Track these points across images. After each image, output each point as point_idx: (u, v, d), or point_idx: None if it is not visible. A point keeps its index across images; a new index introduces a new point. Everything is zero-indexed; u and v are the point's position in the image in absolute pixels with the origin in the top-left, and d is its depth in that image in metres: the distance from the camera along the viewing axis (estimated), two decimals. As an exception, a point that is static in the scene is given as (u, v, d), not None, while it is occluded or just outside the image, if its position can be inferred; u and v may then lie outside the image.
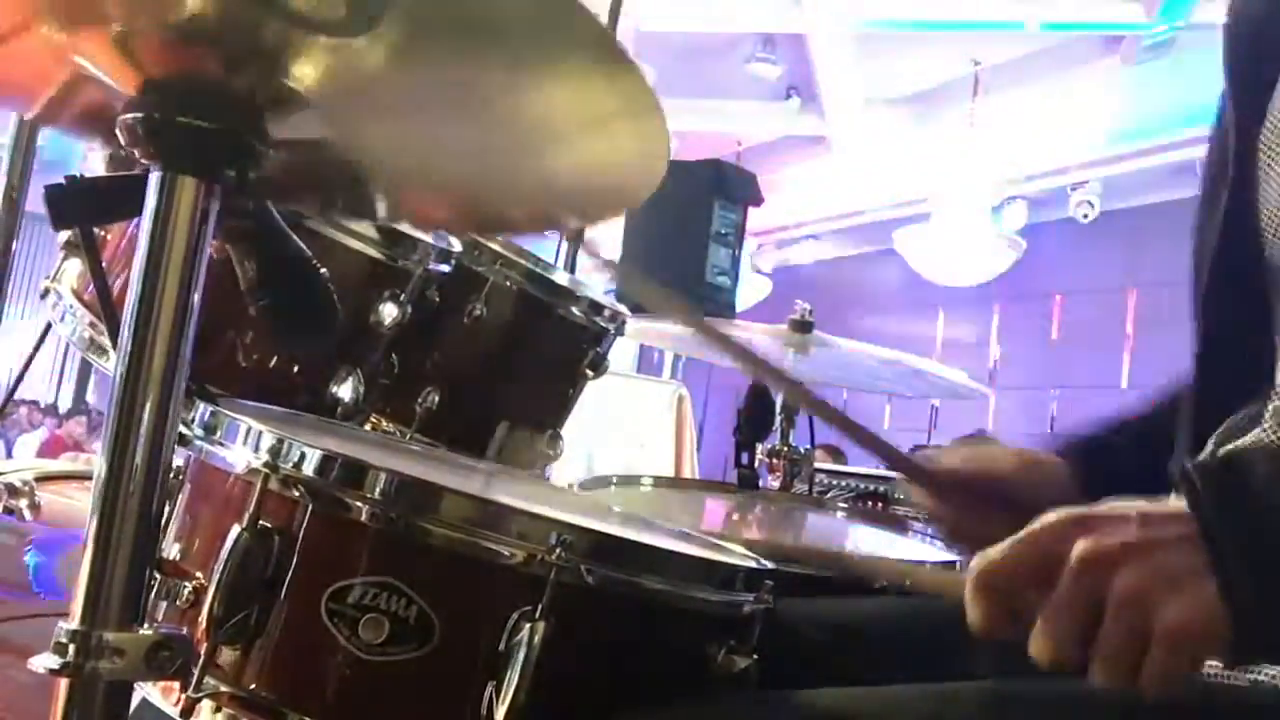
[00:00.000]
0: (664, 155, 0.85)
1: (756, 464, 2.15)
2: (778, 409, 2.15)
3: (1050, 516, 0.74)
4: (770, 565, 1.08)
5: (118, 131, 0.84)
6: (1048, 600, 0.72)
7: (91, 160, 1.29)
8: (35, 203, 1.49)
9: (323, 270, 0.98)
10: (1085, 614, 0.71)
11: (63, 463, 2.48)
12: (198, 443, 1.01)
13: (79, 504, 1.72)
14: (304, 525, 0.91)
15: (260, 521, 0.90)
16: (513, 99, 0.80)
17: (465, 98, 0.80)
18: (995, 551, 0.74)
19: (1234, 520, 0.71)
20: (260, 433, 0.95)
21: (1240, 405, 0.91)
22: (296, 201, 1.13)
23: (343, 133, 0.90)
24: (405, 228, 1.41)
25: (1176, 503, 0.73)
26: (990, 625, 0.74)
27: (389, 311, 1.36)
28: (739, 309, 5.39)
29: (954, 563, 1.65)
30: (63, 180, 0.91)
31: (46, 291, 1.44)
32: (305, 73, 0.80)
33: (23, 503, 1.67)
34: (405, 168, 0.96)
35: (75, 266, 1.41)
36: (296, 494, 0.91)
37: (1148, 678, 0.70)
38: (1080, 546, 0.71)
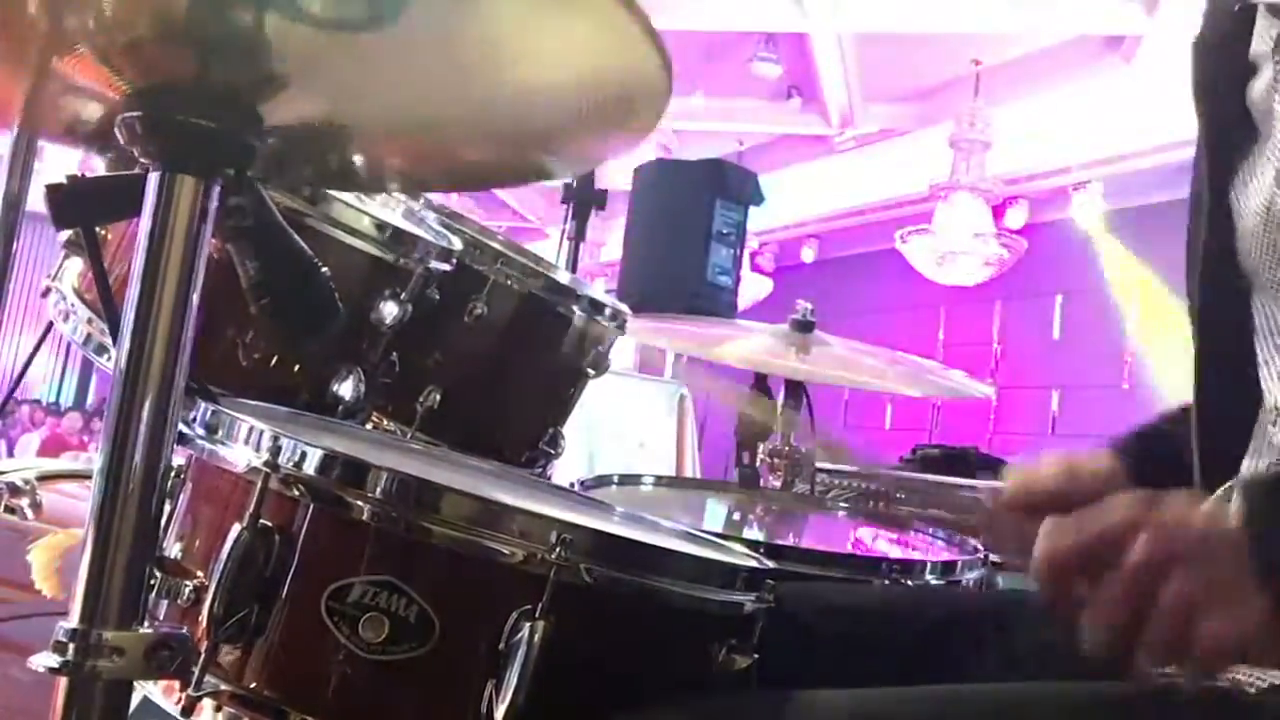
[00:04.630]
0: (661, 77, 0.80)
1: (758, 463, 2.15)
2: (779, 408, 2.15)
3: (1118, 502, 0.78)
4: (771, 564, 1.08)
5: (116, 132, 0.84)
6: (1105, 586, 0.76)
7: (92, 160, 1.29)
8: (36, 202, 1.49)
9: (324, 270, 0.98)
10: (1138, 607, 0.75)
11: (64, 462, 2.49)
12: (199, 442, 1.01)
13: (80, 503, 1.72)
14: (305, 524, 0.91)
15: (261, 520, 0.90)
16: (470, 20, 0.78)
17: (422, 27, 0.79)
18: (1061, 535, 0.79)
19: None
20: (261, 432, 0.95)
21: (1239, 416, 0.93)
22: (282, 175, 1.12)
23: (321, 101, 0.90)
24: (406, 224, 1.41)
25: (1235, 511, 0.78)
26: (1054, 600, 0.80)
27: (390, 310, 1.36)
28: (740, 308, 5.39)
29: (954, 562, 1.65)
30: (64, 179, 0.91)
31: (48, 290, 1.44)
32: (284, 52, 0.80)
33: (24, 502, 1.67)
34: (380, 119, 0.94)
35: (76, 265, 1.41)
36: (297, 493, 0.91)
37: (1186, 675, 0.76)
38: (1140, 547, 0.75)
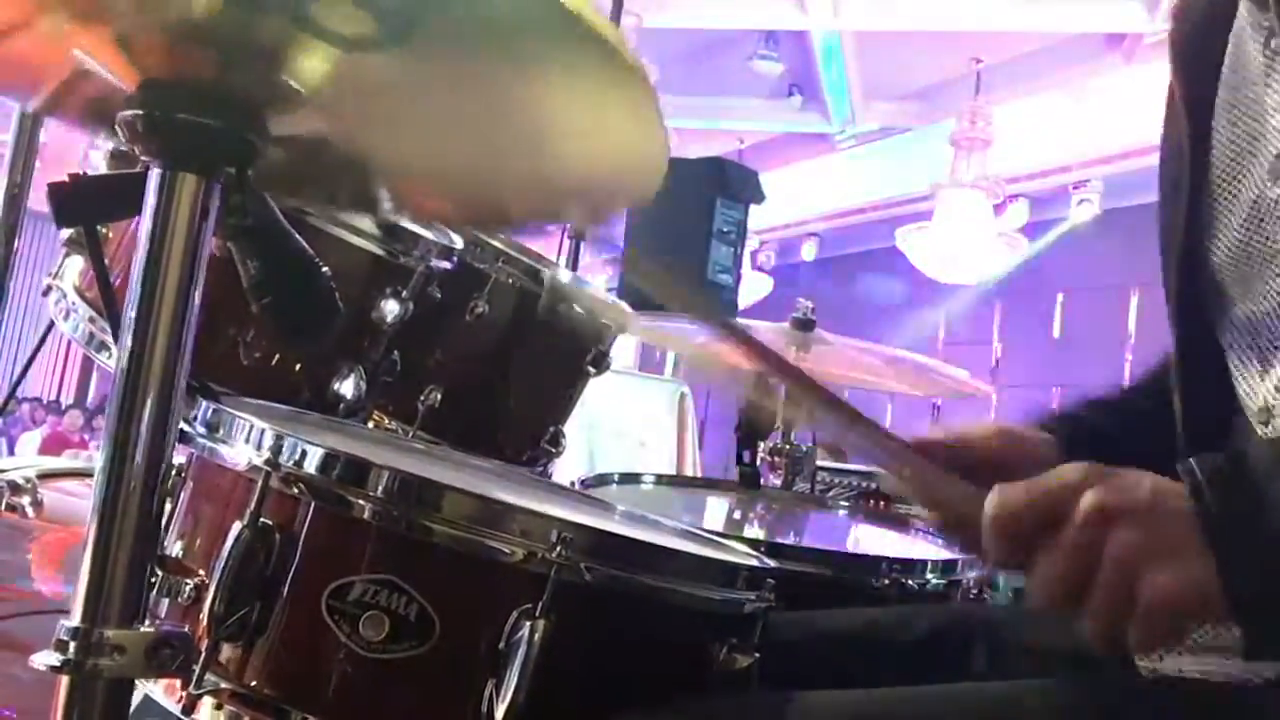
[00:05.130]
0: (663, 154, 0.85)
1: (758, 462, 2.14)
2: (780, 407, 2.15)
3: (1069, 468, 0.77)
4: (771, 564, 1.08)
5: (118, 128, 0.84)
6: (1051, 544, 0.75)
7: (94, 159, 1.29)
8: (36, 201, 1.49)
9: (325, 269, 0.98)
10: (1083, 563, 0.74)
11: (65, 460, 2.49)
12: (200, 440, 1.01)
13: (81, 501, 1.72)
14: (305, 523, 0.91)
15: (262, 519, 0.90)
16: (511, 92, 0.79)
17: (463, 90, 0.80)
18: (1012, 492, 0.77)
19: (1232, 502, 0.73)
20: (262, 430, 0.95)
21: (1221, 409, 0.93)
22: (300, 195, 1.13)
23: (343, 128, 0.90)
24: (407, 223, 1.41)
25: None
26: (1002, 560, 0.78)
27: (391, 308, 1.36)
28: (740, 307, 5.38)
29: (955, 562, 1.65)
30: (66, 178, 0.91)
31: (48, 289, 1.44)
32: (307, 71, 0.80)
33: (25, 500, 1.67)
34: (406, 160, 0.96)
35: (77, 264, 1.41)
36: (298, 491, 0.91)
37: (1133, 638, 0.73)
38: (1089, 498, 0.74)
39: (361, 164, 0.96)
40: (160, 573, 0.93)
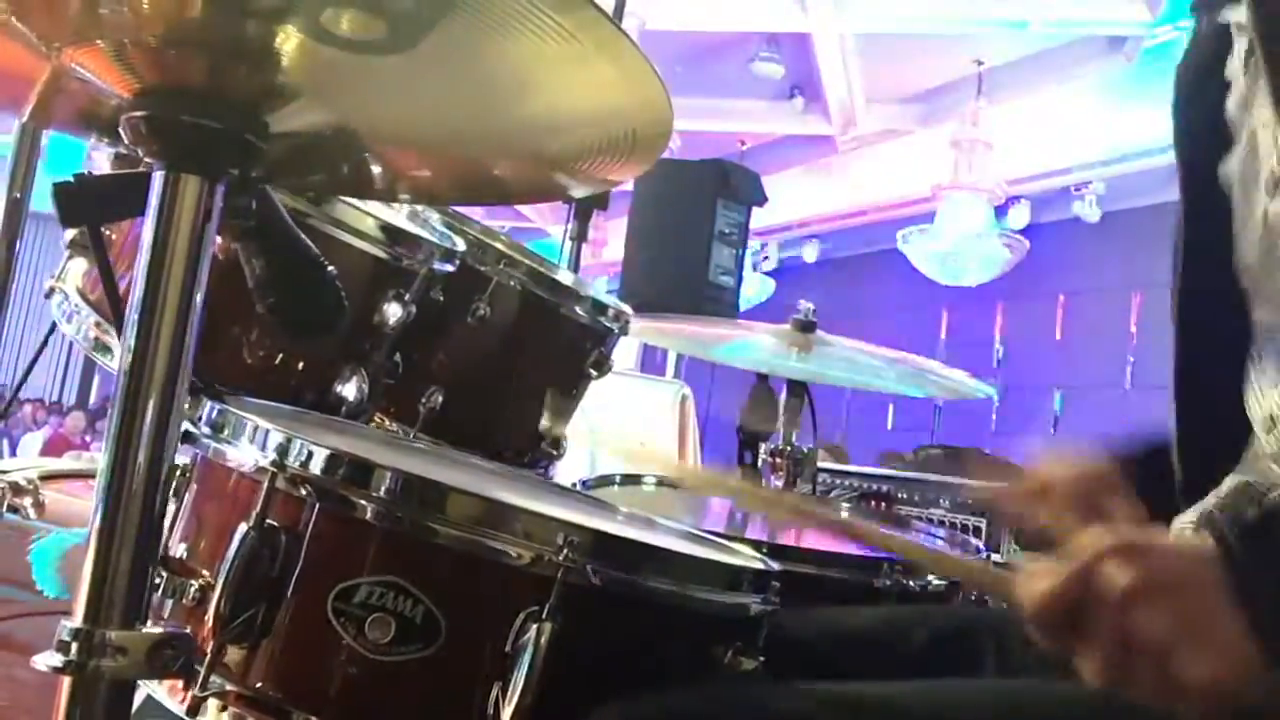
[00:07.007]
0: (664, 117, 0.84)
1: (760, 463, 2.14)
2: (781, 408, 2.15)
3: (1094, 540, 0.77)
4: (776, 566, 1.08)
5: (121, 130, 0.84)
6: (1089, 631, 0.76)
7: (97, 159, 1.29)
8: (39, 202, 1.49)
9: (330, 268, 0.98)
10: (1121, 649, 0.75)
11: (66, 461, 2.49)
12: (205, 441, 1.01)
13: (83, 503, 1.72)
14: (311, 524, 0.91)
15: (267, 520, 0.90)
16: (488, 51, 0.79)
17: (446, 54, 0.80)
18: (1042, 583, 0.78)
19: (1263, 560, 0.75)
20: (267, 431, 0.95)
21: (1221, 422, 0.93)
22: (295, 185, 1.12)
23: (333, 113, 0.90)
24: (409, 226, 1.41)
25: (1204, 543, 0.78)
26: (1053, 645, 0.79)
27: (393, 311, 1.36)
28: (742, 309, 5.38)
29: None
30: (71, 178, 0.91)
31: (51, 291, 1.43)
32: (298, 66, 0.80)
33: (27, 501, 1.67)
34: (396, 133, 0.96)
35: (80, 265, 1.41)
36: (303, 493, 0.91)
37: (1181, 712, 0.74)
38: (1120, 581, 0.74)
39: (351, 144, 0.96)
40: (165, 574, 0.93)
